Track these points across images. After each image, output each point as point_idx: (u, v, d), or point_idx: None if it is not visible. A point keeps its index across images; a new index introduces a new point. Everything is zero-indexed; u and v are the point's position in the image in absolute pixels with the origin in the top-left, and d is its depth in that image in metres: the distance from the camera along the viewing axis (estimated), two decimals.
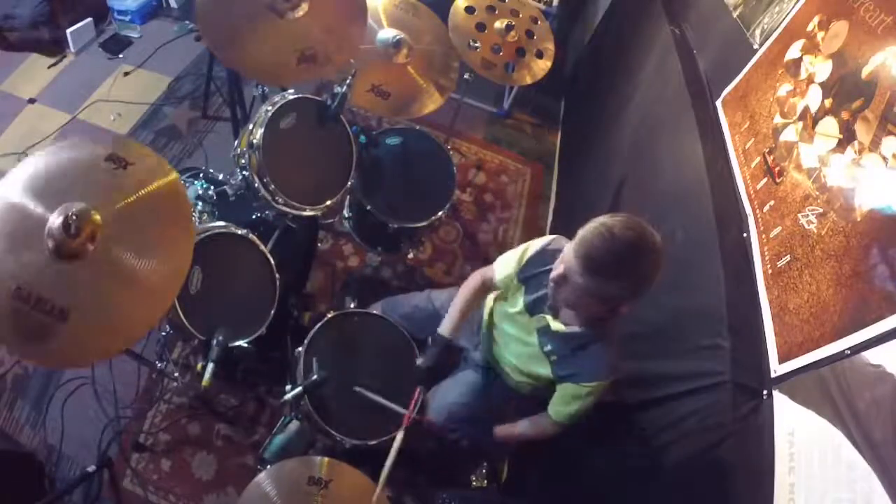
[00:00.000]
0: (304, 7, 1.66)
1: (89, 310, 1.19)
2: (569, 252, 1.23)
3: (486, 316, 1.71)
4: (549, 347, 1.44)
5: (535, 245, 1.51)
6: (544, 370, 1.47)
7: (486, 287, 1.63)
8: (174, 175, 1.33)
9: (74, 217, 1.18)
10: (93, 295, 1.21)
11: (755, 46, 1.63)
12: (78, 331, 1.17)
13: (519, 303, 1.51)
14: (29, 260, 1.16)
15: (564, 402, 1.45)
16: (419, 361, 1.55)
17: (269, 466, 1.34)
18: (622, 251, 1.17)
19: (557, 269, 1.28)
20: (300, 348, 1.62)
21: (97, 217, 1.23)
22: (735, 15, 1.80)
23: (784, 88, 1.43)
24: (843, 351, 1.00)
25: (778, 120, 1.42)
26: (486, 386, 1.69)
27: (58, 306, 1.14)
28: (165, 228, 1.32)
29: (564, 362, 1.42)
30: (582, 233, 1.22)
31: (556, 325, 1.42)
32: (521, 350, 1.54)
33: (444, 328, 1.58)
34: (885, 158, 1.03)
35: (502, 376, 1.66)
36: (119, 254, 1.24)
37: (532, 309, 1.48)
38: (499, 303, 1.64)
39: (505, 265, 1.55)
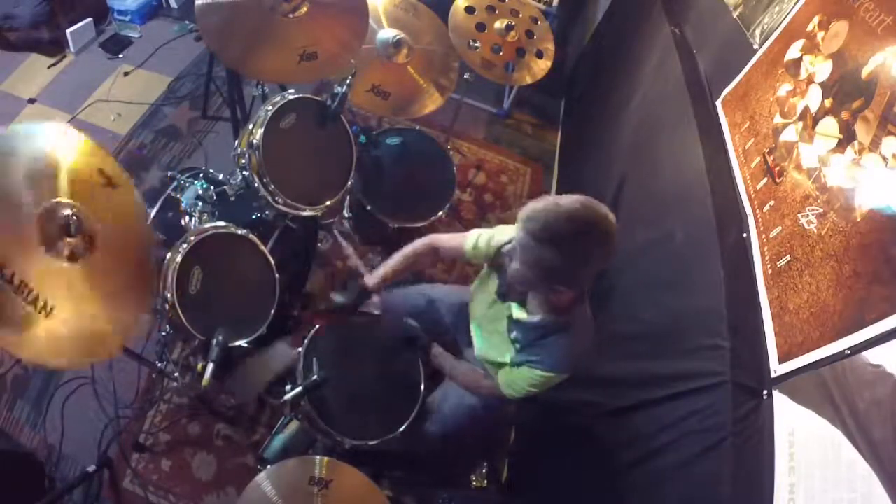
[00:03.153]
0: (305, 7, 1.67)
1: (74, 310, 1.18)
2: (518, 218, 1.25)
3: (470, 309, 1.70)
4: (514, 334, 1.45)
5: (504, 233, 1.50)
6: (505, 357, 1.47)
7: (435, 253, 1.65)
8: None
9: (75, 217, 1.18)
10: (80, 297, 1.20)
11: (755, 46, 1.63)
12: (61, 329, 1.16)
13: (492, 290, 1.52)
14: (23, 247, 1.14)
15: (515, 379, 1.44)
16: (337, 298, 1.67)
17: (269, 466, 1.34)
18: (559, 217, 1.18)
19: (512, 241, 1.29)
20: (300, 348, 1.62)
21: (97, 221, 1.23)
22: (735, 15, 1.80)
23: (784, 88, 1.43)
24: (843, 351, 1.00)
25: (778, 120, 1.42)
26: None
27: (41, 299, 1.13)
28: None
29: (526, 351, 1.42)
30: (532, 201, 1.24)
31: (518, 314, 1.42)
32: (495, 338, 1.53)
33: (370, 279, 1.65)
34: (885, 158, 1.03)
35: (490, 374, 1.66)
36: (104, 261, 1.25)
37: (502, 296, 1.49)
38: (477, 289, 1.64)
39: (474, 241, 1.55)
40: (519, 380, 1.42)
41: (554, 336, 1.38)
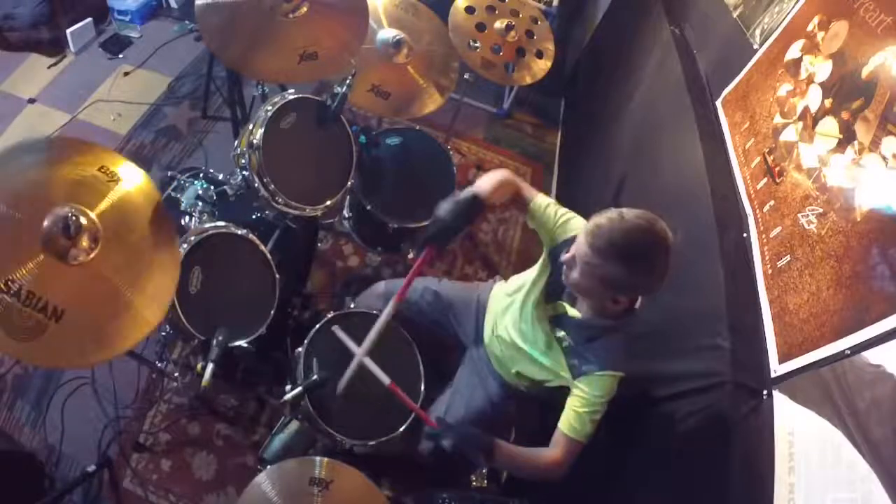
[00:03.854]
0: (305, 7, 1.67)
1: (83, 311, 1.19)
2: (581, 232, 1.26)
3: (493, 307, 1.69)
4: (561, 333, 1.43)
5: (574, 227, 1.42)
6: (556, 359, 1.44)
7: (513, 187, 1.46)
8: (156, 195, 1.38)
9: (73, 218, 1.18)
10: (87, 297, 1.21)
11: (755, 46, 1.63)
12: (71, 331, 1.16)
13: (540, 285, 1.49)
14: (23, 257, 1.15)
15: (574, 408, 1.37)
16: (441, 210, 1.34)
17: (269, 466, 1.34)
18: (624, 233, 1.19)
19: (570, 251, 1.29)
20: (300, 348, 1.62)
21: (95, 219, 1.23)
22: (735, 15, 1.80)
23: (784, 88, 1.43)
24: (843, 351, 1.00)
25: (778, 120, 1.42)
26: (486, 387, 1.69)
27: (51, 305, 1.14)
28: (152, 236, 1.34)
29: (577, 351, 1.39)
30: (595, 215, 1.25)
31: (573, 312, 1.41)
32: (528, 336, 1.51)
33: (478, 189, 1.37)
34: (885, 158, 1.04)
35: (501, 372, 1.65)
36: (114, 258, 1.24)
37: (550, 296, 1.47)
38: (528, 280, 1.61)
39: (548, 205, 1.45)
40: (584, 407, 1.35)
41: (607, 337, 1.37)
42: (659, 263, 1.21)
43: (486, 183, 1.40)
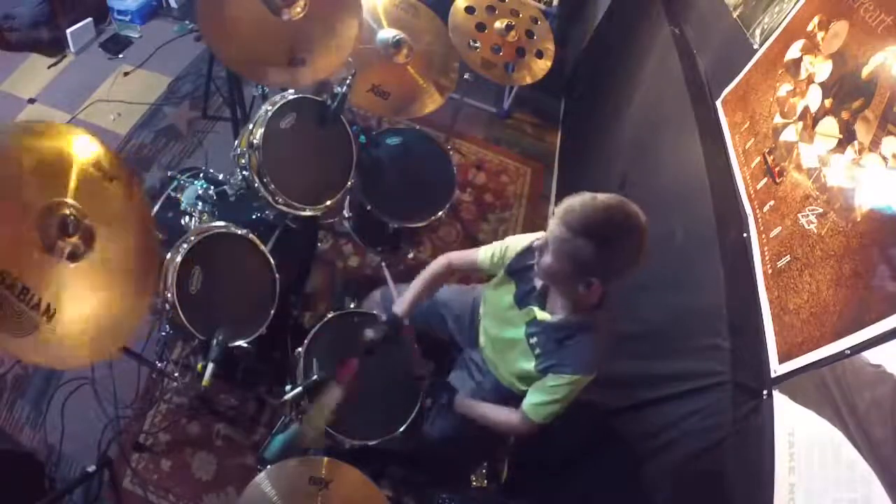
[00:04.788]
0: (304, 8, 1.67)
1: (76, 310, 1.18)
2: (554, 216, 1.28)
3: (484, 309, 1.70)
4: (534, 339, 1.44)
5: (520, 241, 1.51)
6: (529, 364, 1.46)
7: (452, 270, 1.65)
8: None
9: (73, 217, 1.18)
10: (81, 296, 1.20)
11: (755, 46, 1.63)
12: (65, 330, 1.16)
13: (509, 298, 1.52)
14: (20, 250, 1.13)
15: (538, 393, 1.42)
16: (368, 333, 1.53)
17: (269, 466, 1.34)
18: (597, 209, 1.22)
19: (543, 237, 1.31)
20: (300, 348, 1.62)
21: (94, 218, 1.23)
22: (735, 15, 1.80)
23: (784, 88, 1.43)
24: (843, 351, 1.00)
25: (778, 120, 1.42)
26: (481, 388, 1.69)
27: (44, 302, 1.12)
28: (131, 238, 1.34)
29: (548, 354, 1.41)
30: (567, 198, 1.27)
31: (542, 315, 1.42)
32: (508, 345, 1.53)
33: (399, 306, 1.58)
34: (885, 158, 1.03)
35: (495, 375, 1.66)
36: (102, 251, 1.25)
37: (521, 302, 1.48)
38: (490, 296, 1.64)
39: (489, 252, 1.57)
40: (545, 397, 1.40)
41: (580, 336, 1.37)
42: (630, 243, 1.23)
43: (404, 300, 1.58)
